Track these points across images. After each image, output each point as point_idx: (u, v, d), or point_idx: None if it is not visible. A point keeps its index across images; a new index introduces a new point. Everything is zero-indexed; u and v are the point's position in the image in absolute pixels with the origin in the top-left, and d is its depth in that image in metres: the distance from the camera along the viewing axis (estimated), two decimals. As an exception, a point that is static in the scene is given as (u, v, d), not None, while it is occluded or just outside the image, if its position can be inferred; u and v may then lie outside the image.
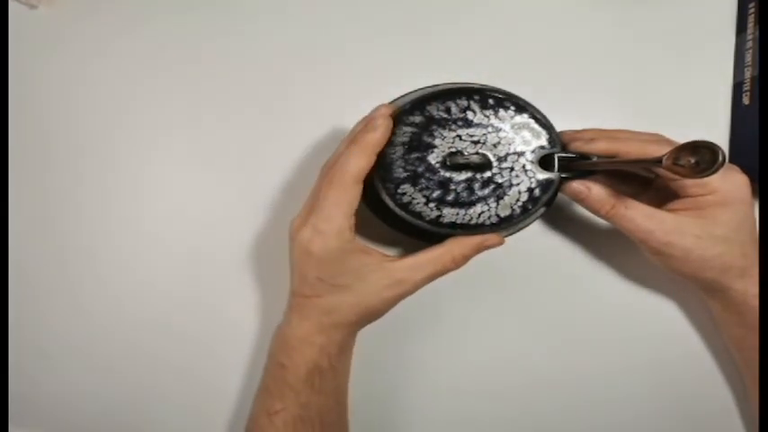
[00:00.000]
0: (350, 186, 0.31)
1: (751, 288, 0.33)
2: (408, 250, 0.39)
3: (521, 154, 0.32)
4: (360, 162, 0.31)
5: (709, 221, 0.32)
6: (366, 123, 0.32)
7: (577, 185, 0.33)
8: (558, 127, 0.33)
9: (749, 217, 0.33)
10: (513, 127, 0.32)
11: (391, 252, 0.39)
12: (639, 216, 0.32)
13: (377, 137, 0.31)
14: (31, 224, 0.40)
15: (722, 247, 0.32)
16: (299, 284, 0.33)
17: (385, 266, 0.32)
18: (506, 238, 0.38)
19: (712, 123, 0.40)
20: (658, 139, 0.33)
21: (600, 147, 0.33)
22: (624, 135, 0.33)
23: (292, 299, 0.34)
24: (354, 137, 0.31)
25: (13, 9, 0.40)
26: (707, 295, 0.36)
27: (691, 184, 0.32)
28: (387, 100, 0.37)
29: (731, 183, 0.32)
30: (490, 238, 0.33)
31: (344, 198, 0.31)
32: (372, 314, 0.34)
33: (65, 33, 0.41)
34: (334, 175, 0.31)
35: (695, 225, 0.32)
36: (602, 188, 0.33)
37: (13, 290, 0.39)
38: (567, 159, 0.33)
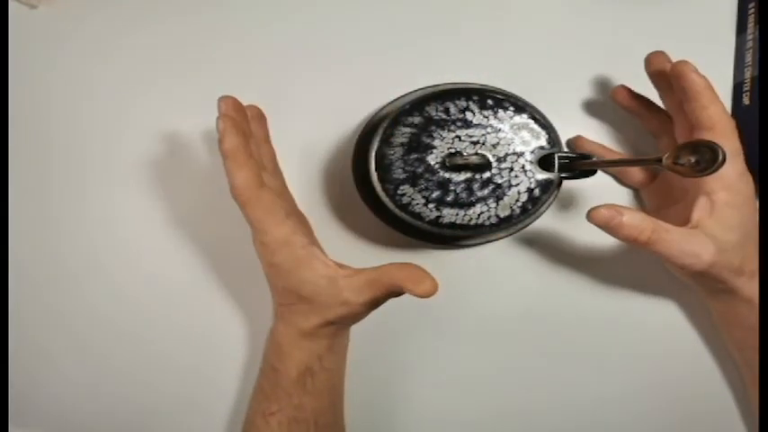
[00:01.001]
0: (255, 199, 0.29)
1: (752, 288, 0.33)
2: (408, 250, 0.40)
3: (520, 154, 0.32)
4: (241, 173, 0.29)
5: (721, 223, 0.31)
6: (219, 136, 0.29)
7: (606, 211, 0.29)
8: (558, 127, 0.33)
9: (752, 217, 0.33)
10: (512, 127, 0.32)
11: (390, 254, 0.39)
12: (682, 239, 0.30)
13: (232, 143, 0.29)
14: (31, 224, 0.40)
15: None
16: (274, 293, 0.33)
17: (337, 284, 0.30)
18: (506, 240, 0.39)
19: (712, 123, 0.39)
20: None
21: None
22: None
23: (275, 306, 0.34)
24: (221, 152, 0.29)
25: (13, 9, 0.40)
26: (707, 295, 0.36)
27: (704, 180, 0.31)
28: (387, 100, 0.37)
29: (744, 182, 0.32)
30: (420, 285, 0.29)
31: (260, 211, 0.29)
32: (342, 324, 0.33)
33: (65, 33, 0.41)
34: (234, 195, 0.29)
35: (716, 229, 0.31)
36: (634, 212, 0.29)
37: (13, 289, 0.39)
38: (567, 159, 0.33)
